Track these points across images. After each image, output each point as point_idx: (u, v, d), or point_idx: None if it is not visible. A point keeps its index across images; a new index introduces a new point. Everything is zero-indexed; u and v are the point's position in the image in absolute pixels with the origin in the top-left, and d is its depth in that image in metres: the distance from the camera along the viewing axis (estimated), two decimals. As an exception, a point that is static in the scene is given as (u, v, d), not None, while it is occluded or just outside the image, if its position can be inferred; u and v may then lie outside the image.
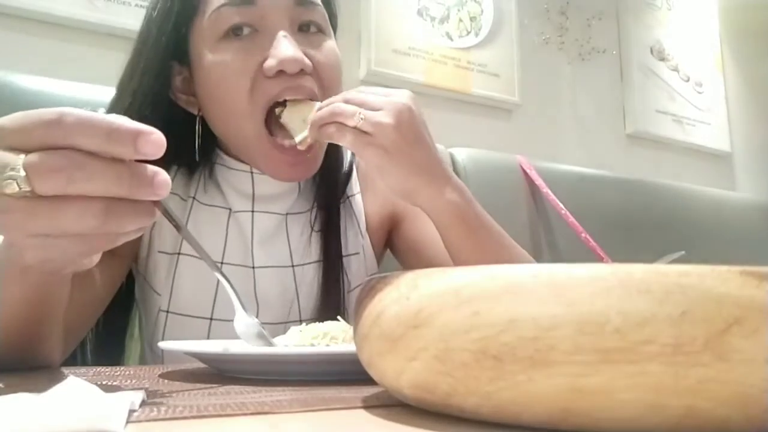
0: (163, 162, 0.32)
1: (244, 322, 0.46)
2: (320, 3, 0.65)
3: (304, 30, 0.63)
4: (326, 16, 0.66)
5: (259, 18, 0.60)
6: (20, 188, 0.30)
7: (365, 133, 0.53)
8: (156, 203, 0.35)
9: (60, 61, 1.16)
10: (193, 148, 0.67)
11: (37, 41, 1.16)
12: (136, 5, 1.24)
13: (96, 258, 0.39)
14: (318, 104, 0.58)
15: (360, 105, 0.54)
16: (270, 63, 0.59)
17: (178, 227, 0.40)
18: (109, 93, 0.93)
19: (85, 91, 0.94)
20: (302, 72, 0.60)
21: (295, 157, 0.62)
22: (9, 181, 0.30)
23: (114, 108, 0.64)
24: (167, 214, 0.37)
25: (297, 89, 0.60)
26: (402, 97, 0.55)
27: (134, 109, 0.62)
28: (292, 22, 0.62)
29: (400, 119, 0.54)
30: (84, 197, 0.31)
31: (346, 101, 0.55)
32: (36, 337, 0.46)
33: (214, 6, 0.61)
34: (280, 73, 0.59)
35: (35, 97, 0.89)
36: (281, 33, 0.60)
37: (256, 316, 0.65)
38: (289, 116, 0.60)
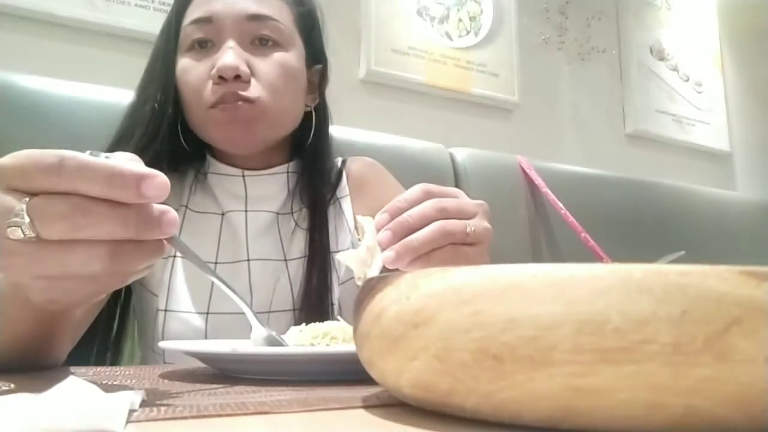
0: (160, 171, 0.32)
1: (261, 335, 0.46)
2: (274, 17, 0.71)
3: (256, 43, 0.70)
4: (283, 29, 0.72)
5: (216, 33, 0.69)
6: (25, 235, 0.30)
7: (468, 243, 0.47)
8: (167, 238, 0.34)
9: (60, 61, 1.16)
10: (184, 153, 0.73)
11: (37, 41, 1.16)
12: (136, 5, 1.24)
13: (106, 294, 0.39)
14: (372, 224, 0.46)
15: (458, 213, 0.47)
16: (213, 71, 0.67)
17: (191, 256, 0.39)
18: (108, 92, 0.93)
19: (85, 91, 0.94)
20: (239, 78, 0.67)
21: (233, 112, 0.67)
22: (13, 227, 0.30)
23: (136, 108, 0.71)
24: (179, 247, 0.37)
25: (233, 95, 0.67)
26: (469, 199, 0.51)
27: (154, 110, 0.69)
28: (244, 36, 0.69)
29: (488, 219, 0.50)
30: (90, 241, 0.31)
31: (440, 210, 0.46)
32: (45, 349, 0.46)
33: (186, 22, 0.71)
34: (222, 79, 0.66)
35: (36, 97, 0.89)
36: (227, 44, 0.68)
37: (251, 305, 0.67)
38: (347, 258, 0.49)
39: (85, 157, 0.30)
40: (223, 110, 0.67)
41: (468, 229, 0.46)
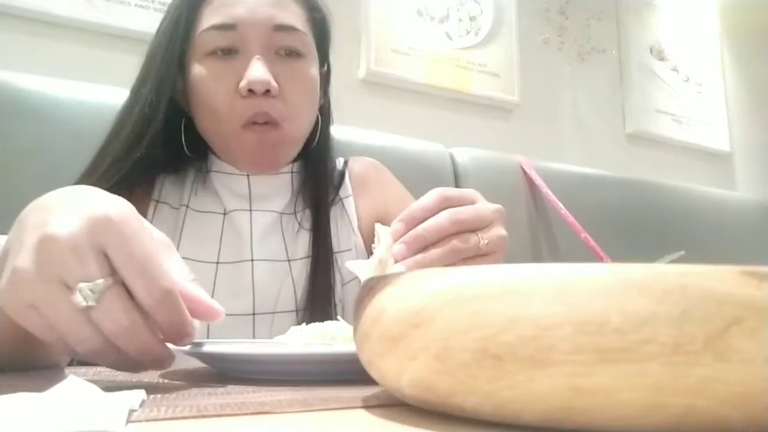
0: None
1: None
2: (298, 27, 0.69)
3: (281, 54, 0.68)
4: (306, 40, 0.70)
5: (240, 41, 0.66)
6: (83, 306, 0.32)
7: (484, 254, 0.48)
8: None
9: (60, 61, 1.16)
10: (183, 154, 0.72)
11: (37, 41, 1.16)
12: (136, 5, 1.24)
13: None
14: (389, 241, 0.46)
15: (474, 224, 0.47)
16: (242, 84, 0.65)
17: None
18: (108, 92, 0.93)
19: (85, 91, 0.94)
20: (269, 93, 0.65)
21: (261, 135, 0.66)
22: (80, 298, 0.32)
23: (126, 109, 0.69)
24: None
25: (264, 115, 0.66)
26: (486, 203, 0.51)
27: (143, 112, 0.67)
28: (269, 46, 0.67)
29: (505, 224, 0.50)
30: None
31: (455, 222, 0.46)
32: (37, 348, 0.46)
33: (204, 27, 0.67)
34: (251, 92, 0.65)
35: (35, 97, 0.90)
36: (256, 56, 0.66)
37: (253, 307, 0.69)
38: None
39: (175, 292, 0.34)
40: (252, 131, 0.66)
41: (481, 243, 0.47)
